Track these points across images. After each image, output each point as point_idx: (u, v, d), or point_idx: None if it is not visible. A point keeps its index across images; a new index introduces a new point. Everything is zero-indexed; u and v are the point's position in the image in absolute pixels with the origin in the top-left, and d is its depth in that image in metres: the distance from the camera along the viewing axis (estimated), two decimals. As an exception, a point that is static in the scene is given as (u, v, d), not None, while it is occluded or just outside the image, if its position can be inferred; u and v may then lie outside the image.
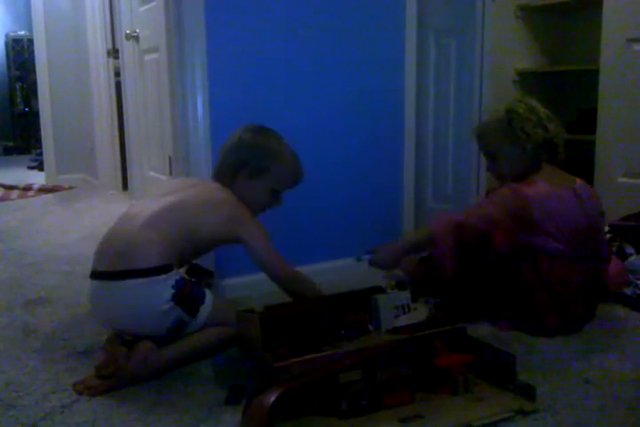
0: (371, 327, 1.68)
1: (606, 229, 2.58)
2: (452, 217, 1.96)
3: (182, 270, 1.91)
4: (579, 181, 2.01)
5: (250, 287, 2.23)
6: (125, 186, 4.51)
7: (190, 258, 1.93)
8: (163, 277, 1.67)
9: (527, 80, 3.98)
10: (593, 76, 3.32)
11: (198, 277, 1.96)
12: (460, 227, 1.90)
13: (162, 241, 1.72)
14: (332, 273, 2.44)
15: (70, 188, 4.92)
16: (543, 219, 1.88)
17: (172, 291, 1.67)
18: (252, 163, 1.88)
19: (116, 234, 1.79)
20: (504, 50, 3.86)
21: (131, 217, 1.81)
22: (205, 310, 1.73)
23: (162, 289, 1.67)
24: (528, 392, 1.48)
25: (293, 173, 1.94)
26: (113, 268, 1.70)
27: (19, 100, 7.65)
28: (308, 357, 1.45)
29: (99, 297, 1.75)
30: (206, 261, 2.25)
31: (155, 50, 3.26)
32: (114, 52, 4.50)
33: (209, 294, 1.77)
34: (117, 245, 1.74)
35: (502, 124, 1.96)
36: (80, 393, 1.57)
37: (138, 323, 1.70)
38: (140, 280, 1.66)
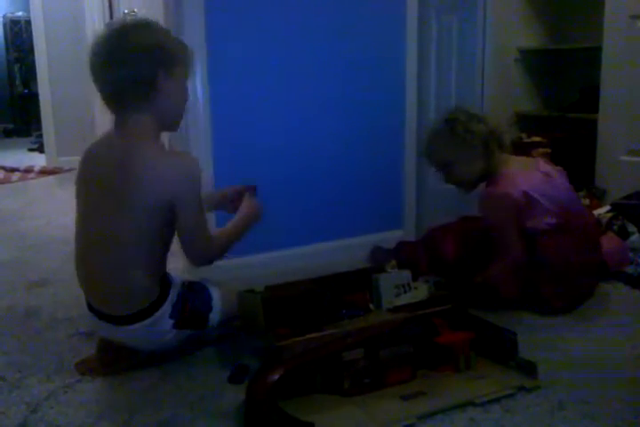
0: (372, 306, 1.68)
1: (608, 207, 2.58)
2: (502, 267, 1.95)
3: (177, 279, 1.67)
4: (540, 160, 2.09)
5: (251, 267, 2.24)
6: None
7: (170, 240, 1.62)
8: (158, 313, 1.54)
9: (529, 58, 3.95)
10: (596, 53, 3.29)
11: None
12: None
13: (137, 264, 1.52)
14: (335, 253, 2.44)
15: (71, 169, 4.90)
16: (528, 203, 1.91)
17: (172, 321, 1.56)
18: (145, 71, 1.48)
19: (87, 268, 1.58)
20: (506, 28, 3.81)
21: (89, 242, 1.57)
22: (215, 315, 1.64)
23: (161, 324, 1.55)
24: (529, 369, 1.49)
25: (182, 51, 1.56)
26: (105, 310, 1.55)
27: (18, 81, 7.61)
28: (310, 336, 1.45)
29: (97, 328, 1.65)
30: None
31: (153, 30, 3.23)
32: (112, 33, 4.45)
33: (215, 296, 1.64)
34: (96, 285, 1.57)
35: (446, 134, 2.03)
36: (83, 374, 1.58)
37: (146, 349, 1.62)
38: (136, 325, 1.53)
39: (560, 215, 1.92)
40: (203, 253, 1.60)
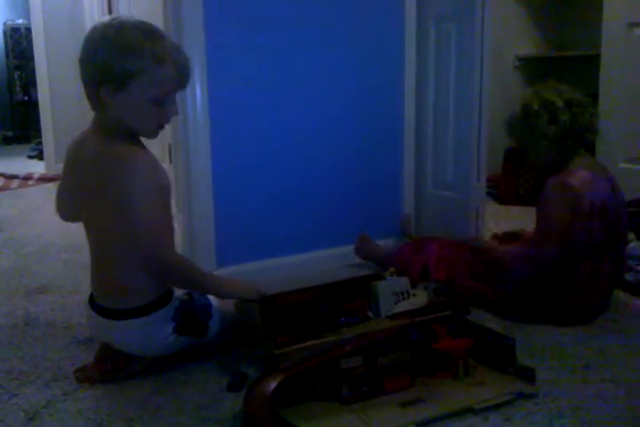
0: (370, 314, 1.68)
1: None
2: (523, 252, 1.94)
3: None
4: (608, 170, 1.99)
5: (249, 275, 2.23)
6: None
7: None
8: (161, 312, 1.55)
9: (528, 66, 3.97)
10: (594, 61, 3.31)
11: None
12: (530, 261, 1.90)
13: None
14: (333, 260, 2.44)
15: (70, 177, 4.92)
16: (591, 208, 1.84)
17: (173, 324, 1.57)
18: (109, 71, 1.40)
19: (96, 259, 1.60)
20: (504, 35, 3.84)
21: (96, 233, 1.58)
22: (215, 324, 1.65)
23: (161, 325, 1.56)
24: (528, 375, 1.48)
25: (156, 63, 1.42)
26: (107, 304, 1.56)
27: (18, 89, 7.61)
28: (308, 343, 1.45)
29: (97, 328, 1.63)
30: (206, 250, 2.25)
31: (153, 37, 3.24)
32: (112, 40, 4.46)
33: (215, 304, 1.66)
34: (103, 276, 1.58)
35: (519, 121, 1.96)
36: (81, 381, 1.57)
37: (143, 353, 1.61)
38: (136, 320, 1.53)
39: (604, 232, 1.86)
40: (154, 252, 1.46)
